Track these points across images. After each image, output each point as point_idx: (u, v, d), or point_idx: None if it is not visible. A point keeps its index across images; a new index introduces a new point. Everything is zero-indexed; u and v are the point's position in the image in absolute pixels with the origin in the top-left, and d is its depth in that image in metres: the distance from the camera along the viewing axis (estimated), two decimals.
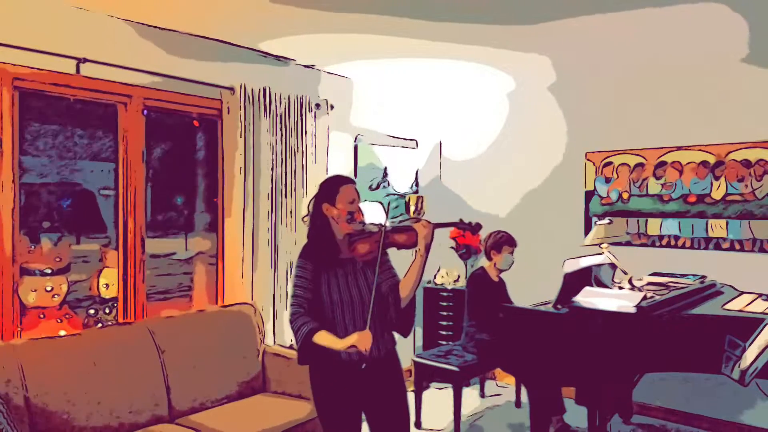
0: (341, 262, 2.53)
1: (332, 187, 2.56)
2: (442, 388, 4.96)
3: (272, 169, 4.08)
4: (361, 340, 2.32)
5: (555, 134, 5.00)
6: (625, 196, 4.67)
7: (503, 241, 4.24)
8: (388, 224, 2.50)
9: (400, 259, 2.70)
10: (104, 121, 3.68)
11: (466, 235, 5.07)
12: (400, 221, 2.62)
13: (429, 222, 2.49)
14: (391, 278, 2.57)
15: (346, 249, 2.50)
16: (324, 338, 2.38)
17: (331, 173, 4.52)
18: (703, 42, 3.82)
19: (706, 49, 3.96)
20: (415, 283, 2.50)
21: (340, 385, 2.48)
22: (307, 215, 2.63)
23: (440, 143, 5.68)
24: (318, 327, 2.39)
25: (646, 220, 4.57)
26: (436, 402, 4.68)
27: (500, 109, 5.33)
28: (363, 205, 2.64)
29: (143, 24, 3.55)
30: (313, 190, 4.23)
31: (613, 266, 3.81)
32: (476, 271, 4.35)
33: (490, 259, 4.30)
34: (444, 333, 5.19)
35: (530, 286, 4.24)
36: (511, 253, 4.26)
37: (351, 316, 2.48)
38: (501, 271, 4.33)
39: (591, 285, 3.49)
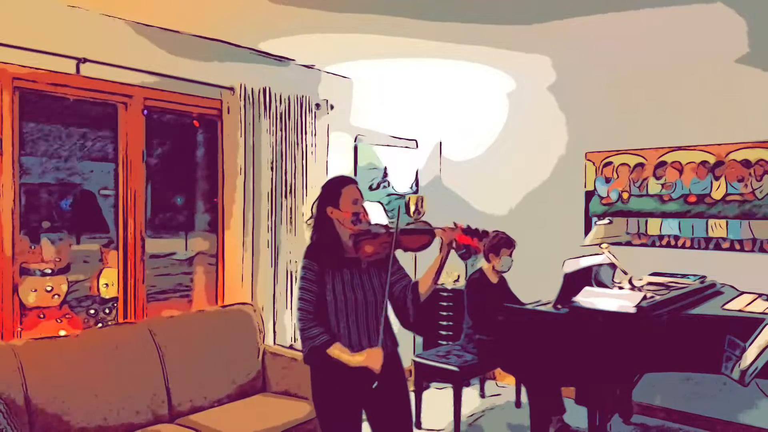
0: (347, 262, 2.51)
1: (334, 189, 2.54)
2: (442, 388, 4.96)
3: (272, 169, 4.08)
4: (371, 358, 2.37)
5: (555, 134, 4.99)
6: (625, 196, 4.67)
7: (501, 244, 4.19)
8: (397, 225, 2.48)
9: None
10: (104, 121, 3.68)
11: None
12: (407, 224, 2.59)
13: (453, 229, 2.46)
14: (402, 278, 2.58)
15: (352, 249, 2.50)
16: (337, 352, 2.41)
17: (332, 173, 4.53)
18: (703, 42, 3.82)
19: (706, 49, 3.96)
20: (435, 281, 2.54)
21: (341, 385, 2.48)
22: (311, 218, 2.60)
23: (440, 143, 5.68)
24: (332, 340, 2.41)
25: (646, 220, 4.57)
26: (436, 402, 4.68)
27: (500, 109, 5.33)
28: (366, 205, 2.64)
29: (143, 24, 3.55)
30: (312, 190, 4.28)
31: (613, 266, 3.81)
32: (473, 275, 4.32)
33: (488, 261, 4.29)
34: (444, 333, 5.18)
35: (530, 286, 4.24)
36: (510, 254, 4.23)
37: (354, 318, 2.48)
38: (501, 272, 4.32)
39: (591, 285, 3.49)
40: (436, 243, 2.54)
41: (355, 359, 2.40)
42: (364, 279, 2.52)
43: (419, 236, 2.50)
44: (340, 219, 2.51)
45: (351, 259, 2.51)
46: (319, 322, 2.44)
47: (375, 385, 2.39)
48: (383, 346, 2.42)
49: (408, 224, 2.59)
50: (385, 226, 2.54)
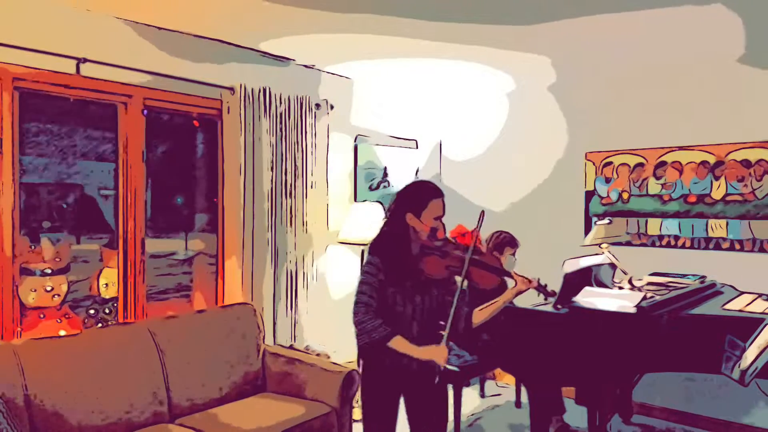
0: (409, 272, 2.48)
1: (422, 199, 2.49)
2: None
3: (272, 169, 4.08)
4: (438, 353, 2.39)
5: (555, 134, 4.99)
6: (625, 196, 4.67)
7: (505, 243, 4.16)
8: (469, 255, 2.45)
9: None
10: (104, 121, 3.68)
11: (466, 235, 5.05)
12: (478, 254, 2.52)
13: (530, 281, 2.52)
14: (463, 307, 2.59)
15: (417, 258, 2.48)
16: (401, 344, 2.40)
17: (332, 173, 4.53)
18: (703, 42, 3.82)
19: (706, 49, 3.96)
20: (489, 317, 2.61)
21: (390, 384, 2.55)
22: (388, 210, 2.59)
23: (440, 143, 5.68)
24: (393, 332, 2.40)
25: (646, 220, 4.57)
26: None
27: (500, 109, 5.33)
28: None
29: (143, 24, 3.55)
30: (312, 190, 4.28)
31: (613, 266, 3.81)
32: None
33: None
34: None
35: None
36: (513, 254, 4.21)
37: (408, 327, 2.48)
38: None
39: (591, 285, 3.49)
40: None
41: (421, 352, 2.40)
42: (423, 292, 2.51)
43: (491, 275, 2.51)
44: (418, 228, 2.48)
45: (413, 270, 2.48)
46: (379, 315, 2.42)
47: (438, 380, 2.43)
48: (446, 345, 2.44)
49: (478, 255, 2.53)
50: (459, 247, 2.51)
